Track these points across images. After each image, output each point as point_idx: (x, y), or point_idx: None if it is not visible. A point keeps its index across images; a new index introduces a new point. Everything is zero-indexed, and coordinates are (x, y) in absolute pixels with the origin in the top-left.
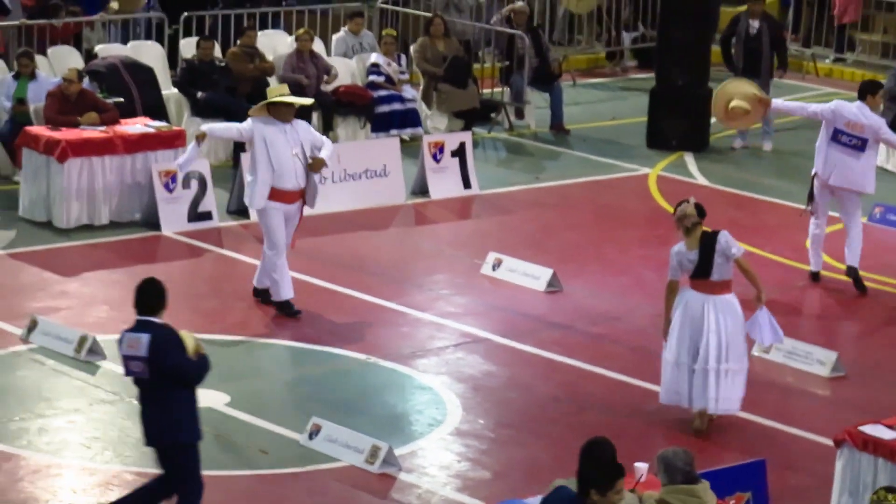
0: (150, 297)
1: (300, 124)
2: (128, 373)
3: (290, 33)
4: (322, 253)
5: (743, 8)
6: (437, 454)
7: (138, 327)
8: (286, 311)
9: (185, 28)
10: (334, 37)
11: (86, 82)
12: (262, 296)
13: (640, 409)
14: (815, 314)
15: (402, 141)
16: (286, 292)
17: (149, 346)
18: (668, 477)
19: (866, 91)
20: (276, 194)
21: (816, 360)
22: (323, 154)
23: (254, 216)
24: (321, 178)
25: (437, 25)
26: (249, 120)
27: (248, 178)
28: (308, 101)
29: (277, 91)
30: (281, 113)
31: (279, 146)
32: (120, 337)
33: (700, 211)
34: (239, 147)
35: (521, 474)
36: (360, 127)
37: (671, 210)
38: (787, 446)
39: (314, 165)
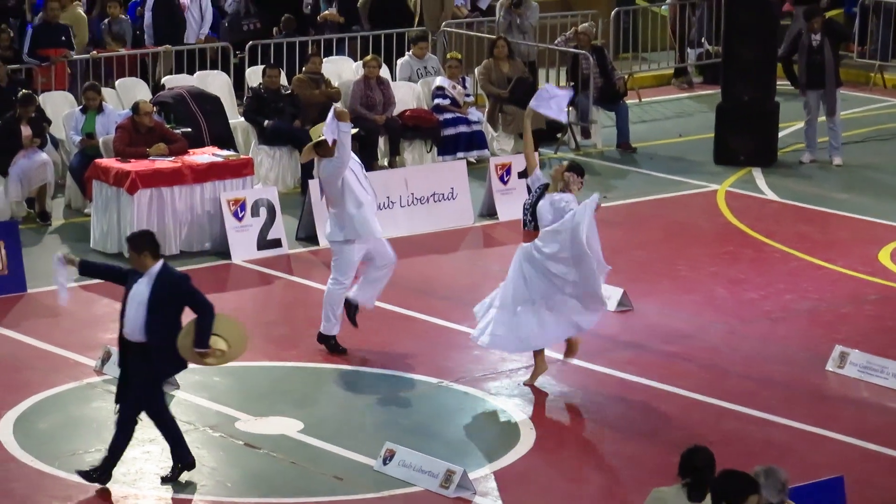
0: None
1: None
2: None
3: (355, 59)
4: (391, 277)
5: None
6: (513, 478)
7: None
8: (336, 346)
9: (251, 56)
10: (399, 61)
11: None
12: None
13: (716, 427)
14: (889, 328)
15: (469, 163)
16: (337, 328)
17: None
18: (777, 490)
19: None
20: None
21: (892, 374)
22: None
23: (324, 243)
24: (389, 202)
25: (501, 47)
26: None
27: (331, 210)
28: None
29: (318, 132)
30: (325, 150)
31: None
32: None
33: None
34: (307, 174)
35: (597, 495)
36: (426, 150)
37: (741, 226)
38: (865, 462)
39: (341, 115)
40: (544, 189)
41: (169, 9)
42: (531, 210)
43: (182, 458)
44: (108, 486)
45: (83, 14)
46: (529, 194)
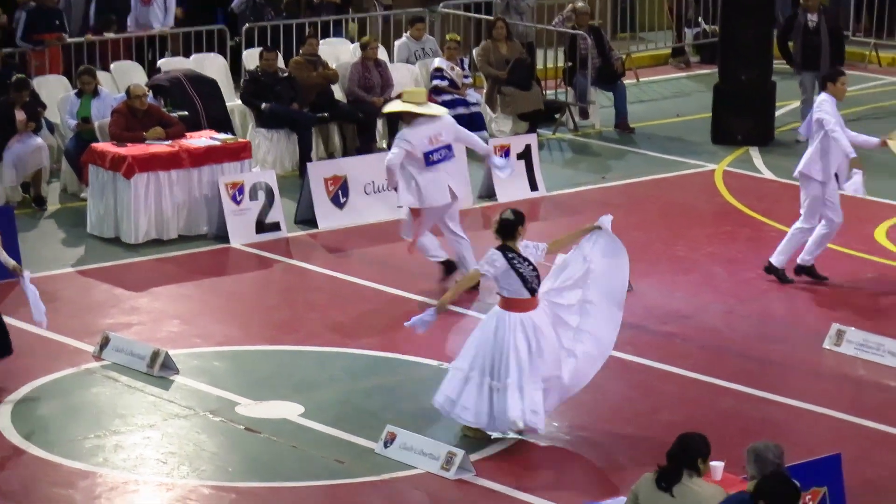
0: None
1: None
2: None
3: (352, 41)
4: (392, 259)
5: None
6: (513, 458)
7: None
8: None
9: (247, 39)
10: (396, 43)
11: (149, 97)
12: None
13: (714, 406)
14: (886, 306)
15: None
16: None
17: None
18: (759, 470)
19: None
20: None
21: (888, 352)
22: None
23: (323, 226)
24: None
25: (500, 28)
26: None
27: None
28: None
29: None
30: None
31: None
32: None
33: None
34: (305, 156)
35: (598, 476)
36: None
37: (739, 206)
38: (862, 440)
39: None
40: (512, 250)
41: None
42: (531, 270)
43: None
44: (107, 472)
45: None
46: (518, 265)
